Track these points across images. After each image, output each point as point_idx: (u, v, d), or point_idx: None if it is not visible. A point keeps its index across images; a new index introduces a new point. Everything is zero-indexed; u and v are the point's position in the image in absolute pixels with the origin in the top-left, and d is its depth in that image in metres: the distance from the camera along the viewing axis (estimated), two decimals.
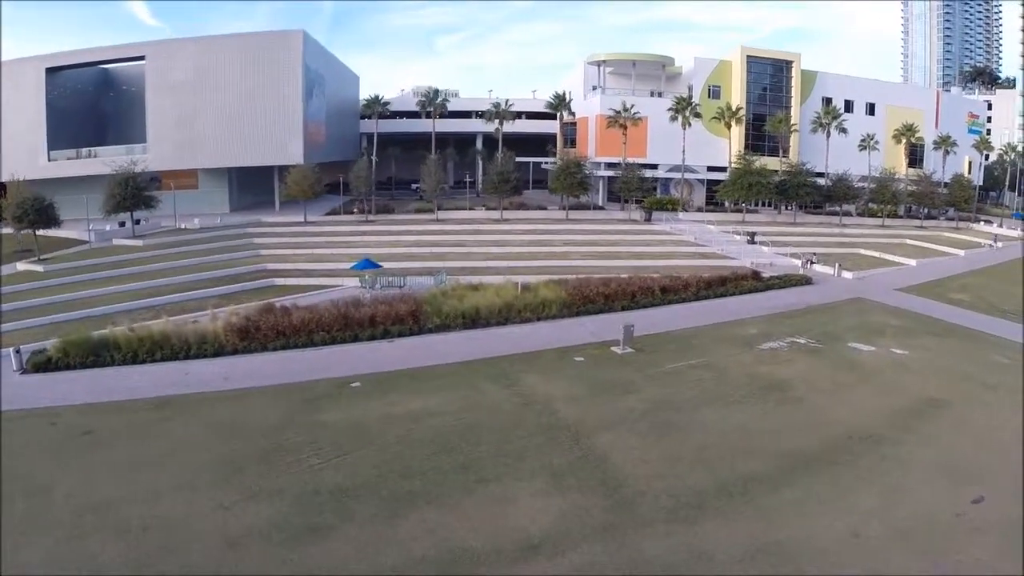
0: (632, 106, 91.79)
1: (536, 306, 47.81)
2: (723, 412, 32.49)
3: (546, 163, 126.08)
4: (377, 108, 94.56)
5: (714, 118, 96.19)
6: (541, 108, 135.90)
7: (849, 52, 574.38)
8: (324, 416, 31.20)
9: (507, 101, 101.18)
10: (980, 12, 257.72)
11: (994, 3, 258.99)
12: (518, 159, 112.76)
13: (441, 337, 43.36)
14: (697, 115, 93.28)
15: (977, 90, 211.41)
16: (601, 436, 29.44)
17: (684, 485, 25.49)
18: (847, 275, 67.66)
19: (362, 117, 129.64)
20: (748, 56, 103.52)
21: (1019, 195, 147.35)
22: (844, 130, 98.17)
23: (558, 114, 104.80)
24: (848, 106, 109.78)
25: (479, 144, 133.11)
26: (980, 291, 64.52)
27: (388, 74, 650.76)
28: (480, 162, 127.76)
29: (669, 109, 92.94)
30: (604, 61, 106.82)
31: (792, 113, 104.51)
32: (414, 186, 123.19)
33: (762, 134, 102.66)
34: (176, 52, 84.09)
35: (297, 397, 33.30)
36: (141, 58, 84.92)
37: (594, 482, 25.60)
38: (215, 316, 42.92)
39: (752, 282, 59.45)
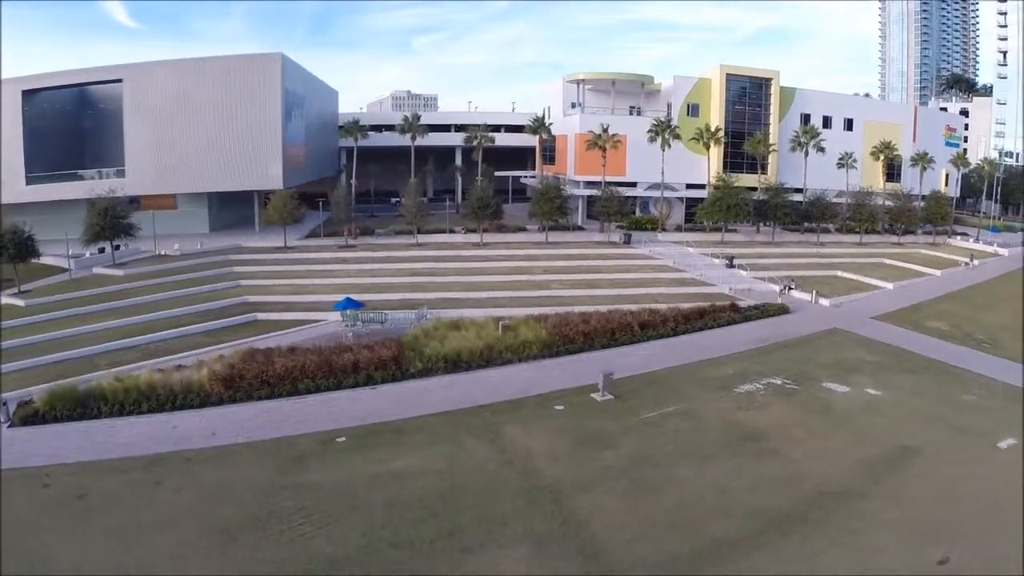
0: (609, 127, 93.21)
1: (517, 347, 49.19)
2: (699, 468, 34.01)
3: (525, 177, 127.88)
4: (356, 132, 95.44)
5: (693, 139, 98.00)
6: (520, 121, 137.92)
7: (828, 52, 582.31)
8: (312, 476, 32.41)
9: (484, 126, 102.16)
10: (957, 16, 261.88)
11: (971, 8, 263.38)
12: (497, 173, 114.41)
13: (423, 383, 44.57)
14: (676, 136, 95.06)
15: (954, 98, 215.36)
16: (581, 498, 30.90)
17: (661, 551, 27.05)
18: (824, 302, 69.55)
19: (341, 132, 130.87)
20: (727, 74, 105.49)
21: (996, 203, 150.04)
22: (822, 149, 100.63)
23: (538, 136, 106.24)
24: (826, 122, 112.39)
25: (458, 160, 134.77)
26: (955, 318, 66.65)
27: (367, 74, 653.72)
28: (459, 178, 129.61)
29: (648, 131, 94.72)
30: (583, 80, 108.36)
31: (771, 130, 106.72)
32: (394, 200, 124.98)
33: (741, 151, 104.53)
34: (153, 75, 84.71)
35: (285, 455, 34.44)
36: (119, 80, 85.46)
37: (574, 549, 27.09)
38: (200, 364, 44.02)
39: (730, 314, 61.11)
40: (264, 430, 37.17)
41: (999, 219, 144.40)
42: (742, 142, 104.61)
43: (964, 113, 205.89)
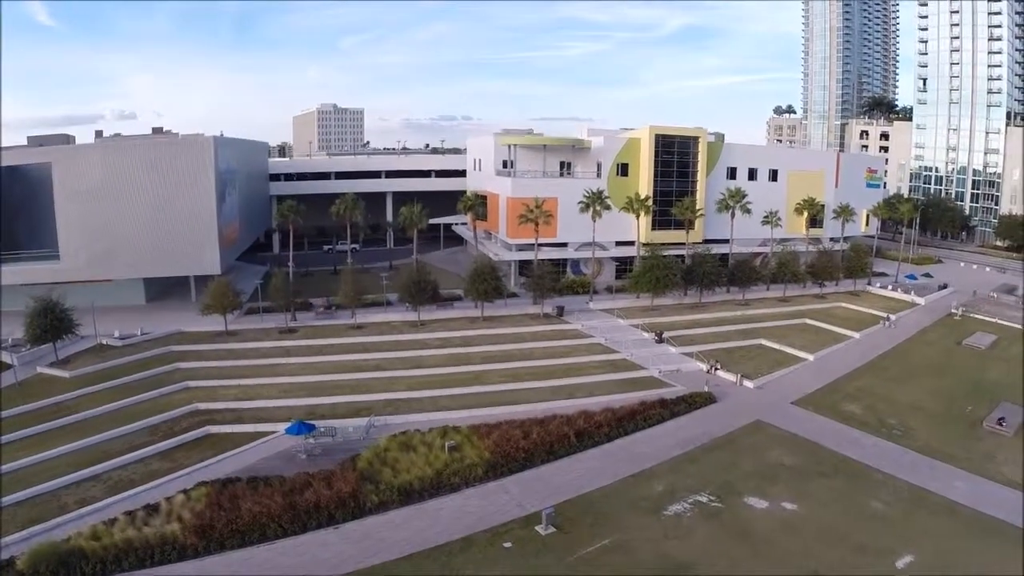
0: (543, 202, 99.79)
1: (463, 471, 55.45)
2: None
3: (458, 224, 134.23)
4: (292, 214, 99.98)
5: (624, 208, 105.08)
6: (452, 165, 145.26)
7: (751, 50, 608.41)
8: None
9: (421, 208, 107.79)
10: (878, 35, 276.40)
11: (892, 28, 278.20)
12: (431, 222, 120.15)
13: (382, 519, 50.11)
14: (607, 208, 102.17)
15: (876, 121, 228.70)
16: None
17: None
18: (748, 384, 77.48)
19: (272, 179, 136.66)
20: (656, 134, 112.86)
21: (915, 231, 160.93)
22: (748, 211, 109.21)
23: (469, 214, 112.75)
24: (752, 174, 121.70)
25: (389, 207, 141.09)
26: (870, 397, 75.50)
27: (293, 73, 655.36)
28: (391, 233, 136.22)
29: (579, 203, 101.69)
30: (516, 145, 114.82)
31: (698, 187, 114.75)
32: (326, 247, 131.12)
33: (670, 209, 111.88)
34: (83, 159, 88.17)
35: None
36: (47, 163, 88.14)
37: None
38: (169, 506, 49.20)
39: (659, 410, 68.26)
40: None
41: (916, 244, 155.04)
42: (671, 198, 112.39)
43: (885, 136, 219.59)
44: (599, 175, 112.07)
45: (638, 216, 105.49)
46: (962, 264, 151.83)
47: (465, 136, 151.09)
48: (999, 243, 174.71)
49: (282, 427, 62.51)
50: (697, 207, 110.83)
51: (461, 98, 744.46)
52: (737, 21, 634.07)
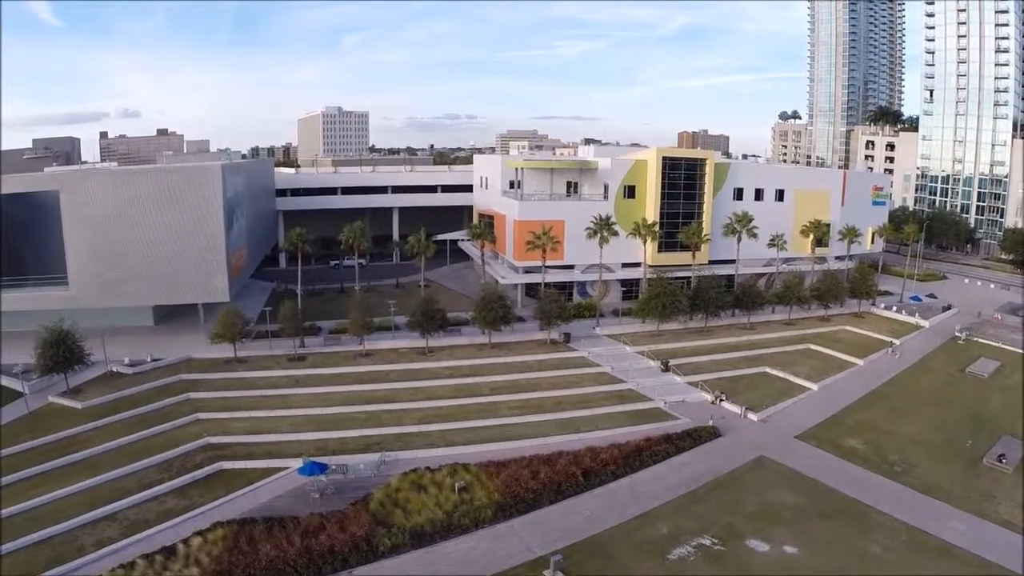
0: (551, 227, 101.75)
1: (473, 512, 57.37)
2: None
3: (463, 241, 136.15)
4: (300, 242, 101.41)
5: (631, 234, 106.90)
6: (457, 181, 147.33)
7: (753, 49, 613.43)
8: None
9: (428, 235, 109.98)
10: (884, 42, 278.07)
11: (898, 36, 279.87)
12: (436, 238, 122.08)
13: (394, 563, 51.88)
14: (614, 234, 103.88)
15: (882, 131, 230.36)
16: None
17: None
18: (752, 417, 79.18)
19: (278, 194, 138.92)
20: (663, 156, 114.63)
21: (920, 244, 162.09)
22: (755, 235, 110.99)
23: (479, 240, 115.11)
24: (759, 194, 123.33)
25: (395, 221, 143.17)
26: (872, 431, 77.00)
27: (291, 74, 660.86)
28: (396, 250, 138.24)
29: (587, 229, 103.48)
30: (523, 168, 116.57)
31: (705, 208, 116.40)
32: (333, 263, 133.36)
33: (676, 232, 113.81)
34: (90, 186, 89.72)
35: None
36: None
37: None
38: (187, 549, 51.07)
39: (665, 446, 70.11)
40: None
41: (921, 257, 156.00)
42: (677, 220, 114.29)
43: (891, 146, 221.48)
44: (606, 196, 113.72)
45: (645, 241, 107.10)
46: (967, 280, 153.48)
47: (469, 135, 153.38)
48: (1004, 256, 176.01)
49: (293, 463, 64.68)
50: (704, 231, 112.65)
51: (464, 97, 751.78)
52: (739, 20, 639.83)
